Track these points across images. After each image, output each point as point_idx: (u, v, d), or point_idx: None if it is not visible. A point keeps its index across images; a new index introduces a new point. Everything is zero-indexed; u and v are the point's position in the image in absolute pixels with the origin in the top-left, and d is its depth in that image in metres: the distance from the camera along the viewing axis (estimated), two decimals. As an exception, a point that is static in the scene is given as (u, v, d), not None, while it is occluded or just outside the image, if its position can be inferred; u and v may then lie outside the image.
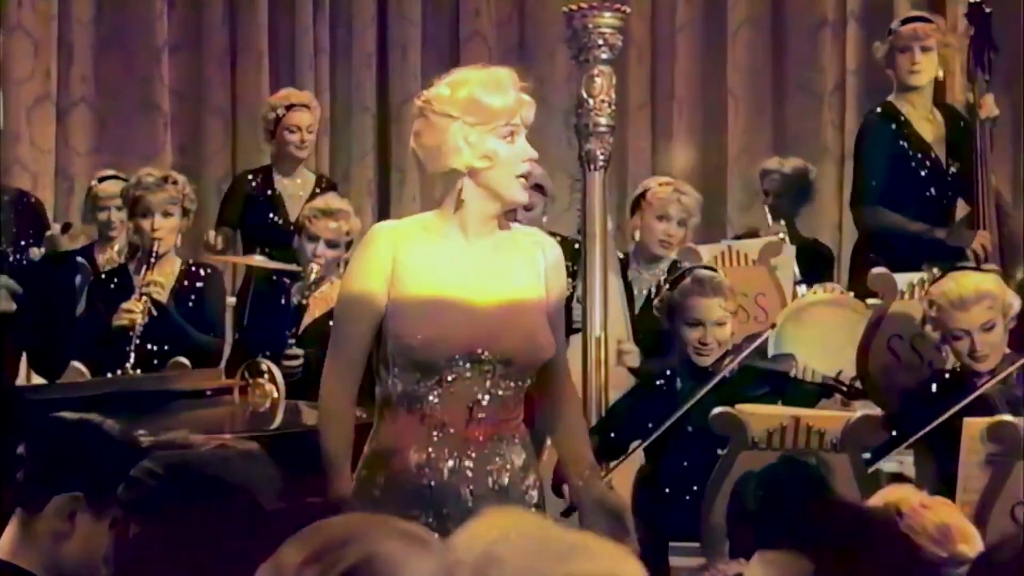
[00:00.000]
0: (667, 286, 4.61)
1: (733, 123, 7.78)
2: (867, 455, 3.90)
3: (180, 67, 7.78)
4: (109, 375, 4.76)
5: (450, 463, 3.12)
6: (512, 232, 3.26)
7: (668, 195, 5.64)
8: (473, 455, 3.14)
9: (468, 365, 3.13)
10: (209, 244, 6.32)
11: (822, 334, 5.41)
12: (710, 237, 6.96)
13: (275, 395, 4.49)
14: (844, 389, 4.45)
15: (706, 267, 4.62)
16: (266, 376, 4.51)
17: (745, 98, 7.79)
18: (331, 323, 5.25)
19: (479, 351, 3.13)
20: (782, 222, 6.34)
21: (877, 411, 4.25)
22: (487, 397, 3.14)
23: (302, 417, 4.39)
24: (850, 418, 3.92)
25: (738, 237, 6.62)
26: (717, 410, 3.96)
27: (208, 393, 4.63)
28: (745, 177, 7.55)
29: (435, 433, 3.12)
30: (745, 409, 3.92)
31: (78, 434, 2.52)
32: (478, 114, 3.08)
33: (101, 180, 6.35)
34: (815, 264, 6.37)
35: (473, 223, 3.17)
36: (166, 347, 5.25)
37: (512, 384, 3.18)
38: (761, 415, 3.90)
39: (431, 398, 3.12)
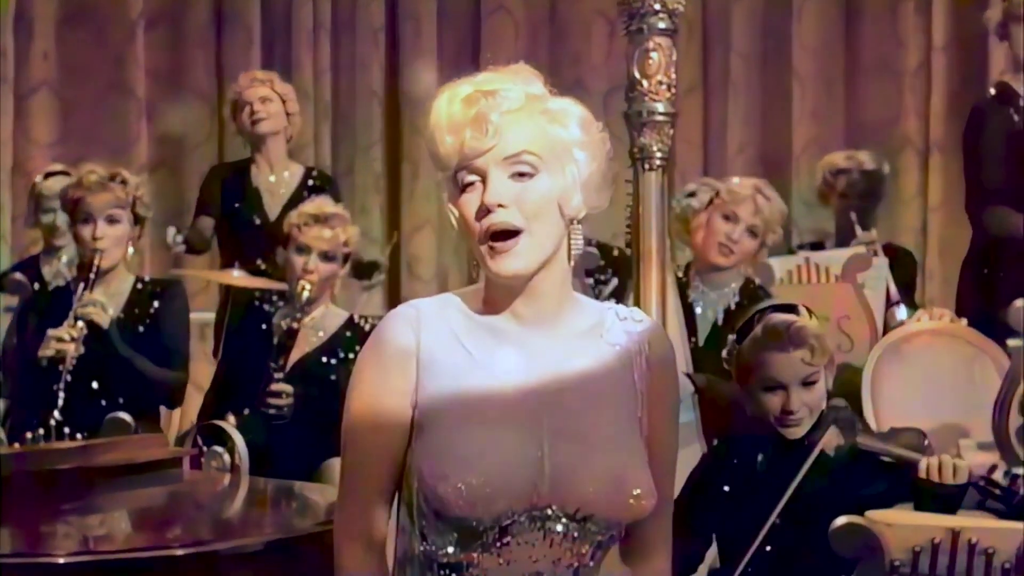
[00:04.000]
0: (734, 337, 3.59)
1: (799, 110, 7.20)
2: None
3: (157, 45, 7.12)
4: (29, 434, 3.73)
5: None
6: (593, 315, 2.30)
7: (743, 191, 4.83)
8: None
9: (528, 524, 2.18)
10: (169, 242, 5.65)
11: (929, 374, 4.64)
12: (774, 245, 6.17)
13: (241, 464, 3.49)
14: (998, 493, 3.30)
15: (783, 306, 3.58)
16: (228, 443, 3.51)
17: (812, 81, 7.23)
18: (324, 358, 4.69)
19: (544, 504, 2.18)
20: (873, 231, 5.36)
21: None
22: (556, 566, 2.21)
23: (268, 507, 3.36)
24: (1031, 532, 2.88)
25: (814, 246, 5.77)
26: (841, 521, 2.92)
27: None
28: (813, 173, 6.81)
29: None
30: (880, 518, 2.87)
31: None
32: (432, 158, 2.24)
33: (47, 176, 5.67)
34: (897, 275, 5.47)
35: (498, 301, 2.25)
36: (111, 386, 4.52)
37: (593, 548, 2.23)
38: (904, 527, 2.87)
39: (473, 569, 2.19)
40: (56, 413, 4.26)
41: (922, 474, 3.28)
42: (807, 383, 3.44)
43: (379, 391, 2.20)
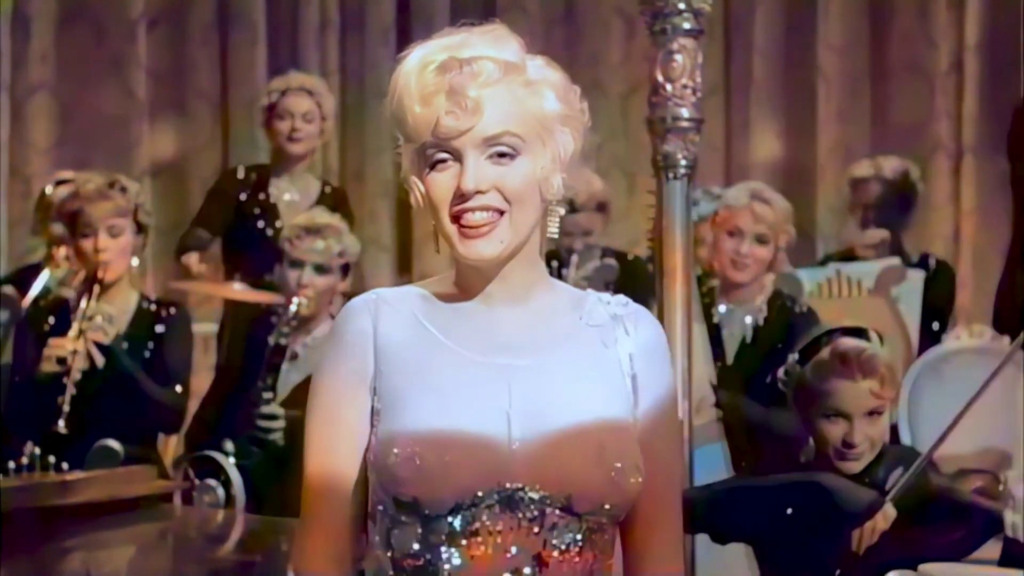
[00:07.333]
0: (795, 357, 3.40)
1: (824, 111, 7.04)
2: None
3: (159, 45, 6.99)
4: (12, 463, 3.51)
5: None
6: (571, 297, 2.11)
7: (738, 202, 4.59)
8: None
9: (497, 509, 1.97)
10: (189, 269, 5.42)
11: (969, 396, 4.29)
12: (797, 254, 6.00)
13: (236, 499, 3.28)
14: None
15: (853, 330, 3.37)
16: (222, 475, 3.30)
17: (839, 81, 7.07)
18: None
19: (514, 485, 1.97)
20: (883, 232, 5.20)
21: None
22: (534, 566, 1.97)
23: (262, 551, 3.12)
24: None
25: (844, 258, 5.59)
26: (894, 576, 2.70)
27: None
28: (839, 177, 6.75)
29: None
30: (934, 572, 2.63)
31: None
32: (396, 126, 2.01)
33: (58, 183, 5.41)
34: (934, 291, 5.35)
35: (468, 287, 2.06)
36: (107, 412, 4.34)
37: (577, 541, 2.00)
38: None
39: (444, 567, 1.97)
40: (61, 423, 4.15)
41: (1008, 532, 3.12)
42: (872, 414, 3.27)
43: (338, 377, 2.04)
